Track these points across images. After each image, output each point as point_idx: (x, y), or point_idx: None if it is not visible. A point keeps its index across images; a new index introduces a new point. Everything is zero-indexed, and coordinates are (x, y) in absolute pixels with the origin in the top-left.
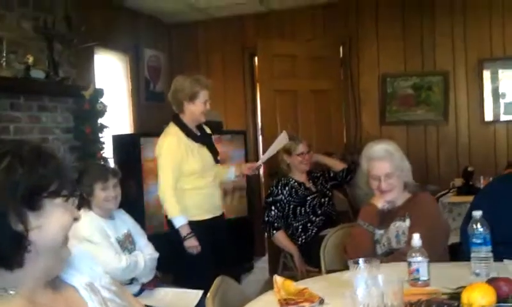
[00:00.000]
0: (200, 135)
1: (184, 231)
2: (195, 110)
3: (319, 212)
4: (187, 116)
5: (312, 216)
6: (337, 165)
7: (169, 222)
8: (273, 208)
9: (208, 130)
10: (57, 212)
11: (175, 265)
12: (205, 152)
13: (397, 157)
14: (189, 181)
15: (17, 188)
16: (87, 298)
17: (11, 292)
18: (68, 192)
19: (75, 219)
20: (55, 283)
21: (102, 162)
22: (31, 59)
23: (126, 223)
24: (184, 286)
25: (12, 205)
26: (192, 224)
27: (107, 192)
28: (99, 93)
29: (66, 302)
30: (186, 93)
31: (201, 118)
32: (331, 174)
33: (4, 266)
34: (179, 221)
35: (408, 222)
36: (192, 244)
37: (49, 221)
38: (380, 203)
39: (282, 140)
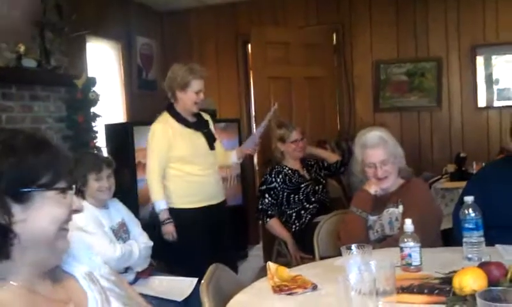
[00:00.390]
0: (195, 122)
1: (162, 216)
2: (186, 100)
3: (313, 199)
4: (180, 105)
5: (305, 203)
6: (331, 157)
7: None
8: (267, 195)
9: (206, 117)
10: (47, 205)
11: (169, 253)
12: (198, 138)
13: (390, 144)
14: (179, 167)
15: (0, 179)
16: (86, 287)
17: (11, 282)
18: (63, 186)
19: (76, 211)
20: (55, 273)
21: (96, 152)
22: (22, 48)
23: (120, 212)
24: (179, 274)
25: None
26: (183, 212)
27: (100, 183)
28: (91, 81)
29: (66, 291)
30: (178, 82)
31: (193, 108)
32: (325, 164)
33: None
34: (159, 205)
35: (400, 208)
36: (168, 230)
37: (37, 214)
38: (373, 189)
39: (274, 112)
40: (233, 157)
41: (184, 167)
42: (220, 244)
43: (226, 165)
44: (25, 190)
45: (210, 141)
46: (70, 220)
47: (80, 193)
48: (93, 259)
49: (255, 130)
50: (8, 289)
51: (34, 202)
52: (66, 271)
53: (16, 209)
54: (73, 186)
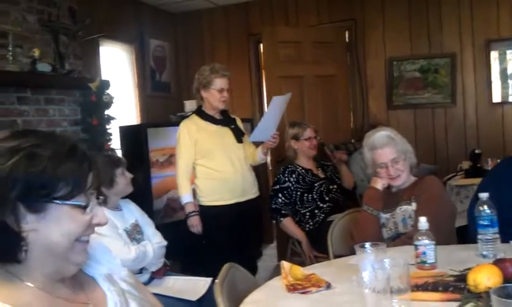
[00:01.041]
0: (222, 119)
1: (188, 209)
2: (210, 98)
3: (327, 198)
4: (206, 105)
5: (319, 202)
6: (346, 180)
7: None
8: (280, 195)
9: (233, 116)
10: (62, 219)
11: (200, 248)
12: (225, 132)
13: (399, 141)
14: (205, 163)
15: (15, 186)
16: (106, 289)
17: (28, 284)
18: (81, 202)
19: (99, 224)
20: (75, 275)
21: (110, 153)
22: (37, 53)
23: (133, 213)
24: (195, 273)
25: (8, 202)
26: (210, 209)
27: (126, 175)
28: (105, 84)
29: (85, 293)
30: (201, 81)
31: (219, 105)
32: (339, 187)
33: (1, 260)
34: (184, 198)
35: (414, 206)
36: (193, 223)
37: (50, 226)
38: (379, 184)
39: (280, 101)
40: (259, 154)
41: (211, 164)
42: (244, 242)
43: (255, 163)
44: (41, 199)
45: (238, 135)
46: (91, 233)
47: (104, 203)
48: (112, 262)
49: (272, 103)
50: (26, 291)
51: (48, 213)
52: (86, 273)
53: (30, 218)
54: (100, 198)
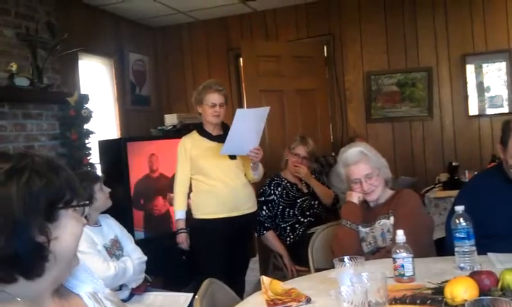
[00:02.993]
0: (219, 135)
1: (178, 225)
2: (204, 113)
3: (308, 213)
4: (204, 120)
5: (300, 217)
6: (324, 196)
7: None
8: (265, 208)
9: None
10: (71, 222)
11: (193, 261)
12: (219, 149)
13: (372, 157)
14: (200, 178)
15: (38, 201)
16: (91, 306)
17: (18, 299)
18: (78, 202)
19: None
20: (60, 291)
21: (89, 168)
22: (14, 67)
23: (113, 228)
24: (178, 287)
25: (34, 218)
26: (204, 222)
27: (104, 190)
28: (84, 98)
29: None
30: (196, 97)
31: (212, 120)
32: (319, 204)
33: (25, 276)
34: (177, 215)
35: (392, 220)
36: (180, 239)
37: (65, 231)
38: (355, 198)
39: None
40: (251, 171)
41: (205, 179)
42: (233, 256)
43: (252, 180)
44: (56, 208)
45: None
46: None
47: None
48: (95, 282)
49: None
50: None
51: (61, 220)
52: (71, 290)
53: (50, 228)
54: (86, 201)
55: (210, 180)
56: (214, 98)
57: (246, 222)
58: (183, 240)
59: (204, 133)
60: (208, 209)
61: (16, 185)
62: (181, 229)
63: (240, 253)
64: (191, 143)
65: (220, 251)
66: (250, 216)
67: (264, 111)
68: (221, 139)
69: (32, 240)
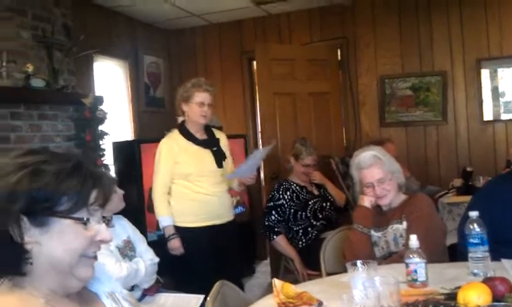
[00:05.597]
0: (205, 140)
1: (168, 232)
2: (191, 112)
3: (320, 216)
4: (188, 119)
5: (312, 220)
6: (337, 197)
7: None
8: (274, 212)
9: (218, 135)
10: (64, 233)
11: (176, 270)
12: (206, 155)
13: (385, 161)
14: (183, 184)
15: (18, 200)
16: (109, 306)
17: (36, 297)
18: (83, 216)
19: (102, 241)
20: (80, 291)
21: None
22: (30, 68)
23: (125, 229)
24: (186, 291)
25: (12, 214)
26: (185, 231)
27: (118, 192)
28: (99, 100)
29: None
30: (182, 95)
31: (199, 120)
32: (332, 206)
33: (5, 273)
34: (164, 221)
35: (404, 225)
36: (173, 246)
37: (52, 240)
38: (367, 202)
39: (272, 148)
40: (234, 183)
41: (189, 185)
42: (224, 265)
43: (231, 187)
44: (43, 213)
45: (219, 159)
46: (96, 249)
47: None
48: (112, 281)
49: (256, 152)
50: (34, 303)
51: (51, 227)
52: (90, 289)
53: (34, 231)
54: (104, 217)
55: (194, 187)
56: (203, 97)
57: (230, 229)
58: (177, 245)
59: (189, 135)
60: (191, 217)
61: (7, 178)
62: (172, 234)
63: (233, 259)
64: (178, 146)
65: (205, 258)
66: (233, 223)
67: (270, 148)
68: (206, 144)
69: (9, 238)
